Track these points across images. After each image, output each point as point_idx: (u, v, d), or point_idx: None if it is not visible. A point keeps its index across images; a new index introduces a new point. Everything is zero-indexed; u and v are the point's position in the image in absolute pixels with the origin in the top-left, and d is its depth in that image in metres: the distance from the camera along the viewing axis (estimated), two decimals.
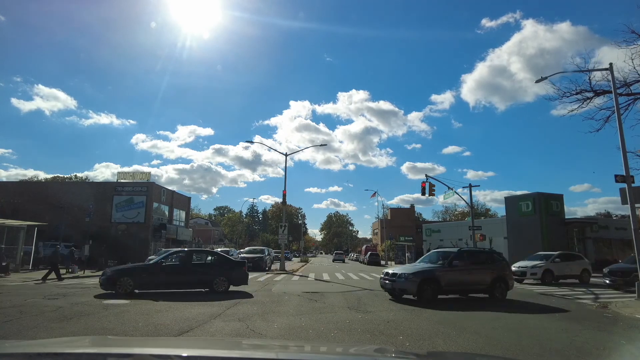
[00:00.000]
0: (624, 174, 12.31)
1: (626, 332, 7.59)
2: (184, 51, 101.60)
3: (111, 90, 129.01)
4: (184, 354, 1.63)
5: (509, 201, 35.05)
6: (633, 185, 12.52)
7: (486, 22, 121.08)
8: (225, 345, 2.64)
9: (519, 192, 36.76)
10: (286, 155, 29.10)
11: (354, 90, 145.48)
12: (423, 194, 25.87)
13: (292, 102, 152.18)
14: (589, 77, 13.87)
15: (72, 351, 1.74)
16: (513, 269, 18.87)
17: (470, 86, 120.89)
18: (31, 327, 6.77)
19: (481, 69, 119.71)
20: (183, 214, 46.70)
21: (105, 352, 1.80)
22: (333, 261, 51.02)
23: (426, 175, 26.22)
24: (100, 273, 12.98)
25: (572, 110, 14.31)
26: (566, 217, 33.05)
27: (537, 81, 14.45)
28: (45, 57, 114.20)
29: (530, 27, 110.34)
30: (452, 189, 27.38)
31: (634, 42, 12.47)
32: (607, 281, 15.67)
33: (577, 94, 14.13)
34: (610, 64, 12.76)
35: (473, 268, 11.90)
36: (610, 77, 12.77)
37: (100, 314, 8.21)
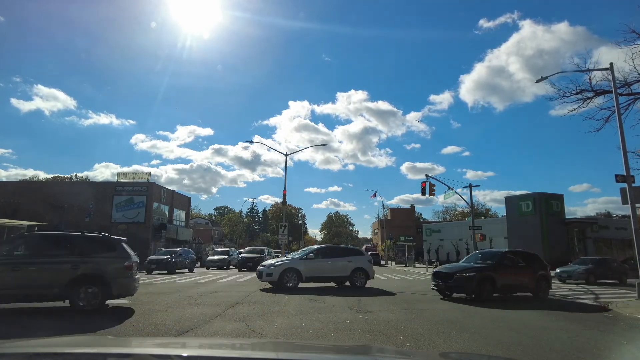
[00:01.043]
0: (625, 174, 12.32)
1: (627, 332, 7.59)
2: (184, 51, 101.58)
3: (111, 91, 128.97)
4: (184, 354, 1.63)
5: (509, 201, 35.07)
6: (633, 185, 12.52)
7: (484, 23, 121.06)
8: (225, 345, 2.63)
9: (518, 192, 36.80)
10: (286, 155, 29.13)
11: (352, 91, 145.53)
12: (423, 193, 25.91)
13: (291, 102, 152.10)
14: (589, 77, 13.88)
15: (72, 351, 1.74)
16: (259, 268, 14.77)
17: (468, 86, 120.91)
18: (30, 326, 6.76)
19: (479, 70, 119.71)
20: (183, 214, 46.73)
21: (105, 351, 1.79)
22: None
23: (426, 175, 26.26)
24: None
25: (573, 110, 14.31)
26: (566, 217, 33.08)
27: (537, 81, 14.50)
28: (45, 57, 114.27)
29: (528, 27, 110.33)
30: (452, 189, 27.39)
31: (634, 41, 12.47)
32: (432, 286, 12.86)
33: (577, 93, 14.13)
34: (611, 64, 12.76)
35: (39, 262, 8.22)
36: (610, 77, 12.78)
37: (100, 313, 8.20)
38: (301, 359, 1.86)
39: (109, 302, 8.86)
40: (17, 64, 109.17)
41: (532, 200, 32.01)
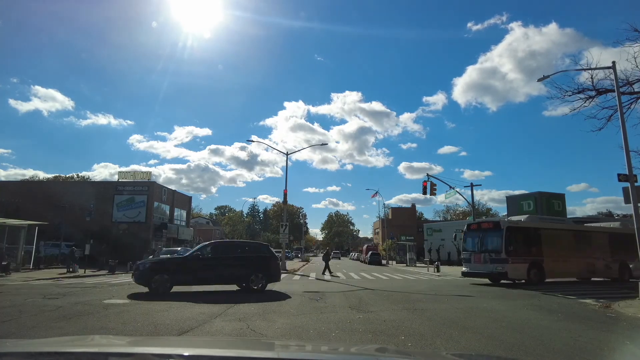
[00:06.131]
0: (627, 173, 12.27)
1: (629, 332, 7.55)
2: (185, 51, 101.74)
3: (108, 91, 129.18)
4: (185, 354, 1.61)
5: (510, 200, 35.02)
6: (636, 184, 12.47)
7: (472, 26, 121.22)
8: (225, 344, 2.61)
9: (517, 192, 36.76)
10: (287, 154, 29.14)
11: (347, 91, 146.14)
12: (424, 193, 25.86)
13: (286, 103, 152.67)
14: (591, 76, 13.84)
15: (72, 350, 1.72)
16: None
17: (462, 87, 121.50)
18: (31, 326, 6.75)
19: (471, 71, 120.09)
20: (184, 214, 46.72)
21: (106, 351, 1.78)
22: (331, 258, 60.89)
23: (427, 175, 26.22)
24: (103, 272, 12.95)
25: (575, 110, 14.28)
26: (567, 217, 33.01)
27: (539, 80, 14.58)
28: (42, 57, 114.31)
29: (518, 29, 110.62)
30: (453, 188, 27.34)
31: (636, 40, 12.43)
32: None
33: (579, 92, 14.10)
34: (613, 62, 12.72)
35: None
36: (612, 76, 12.74)
37: (100, 313, 8.20)
38: (302, 359, 1.84)
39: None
40: (15, 65, 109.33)
41: (534, 200, 31.98)
